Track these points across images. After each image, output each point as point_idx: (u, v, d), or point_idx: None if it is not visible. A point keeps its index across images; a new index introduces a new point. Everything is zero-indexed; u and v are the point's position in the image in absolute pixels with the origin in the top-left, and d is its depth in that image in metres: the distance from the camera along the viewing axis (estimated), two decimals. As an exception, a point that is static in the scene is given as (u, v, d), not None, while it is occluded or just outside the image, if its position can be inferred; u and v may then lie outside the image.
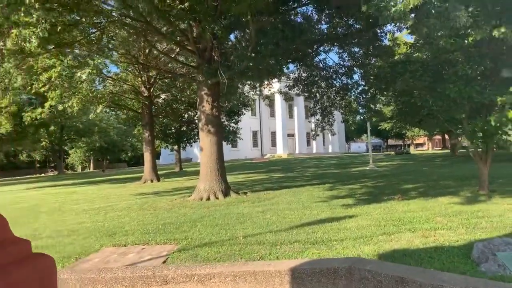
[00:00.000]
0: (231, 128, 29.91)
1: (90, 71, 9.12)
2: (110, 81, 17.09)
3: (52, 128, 45.48)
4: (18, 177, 52.79)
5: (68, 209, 10.74)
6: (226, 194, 10.55)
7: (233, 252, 4.78)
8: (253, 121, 50.19)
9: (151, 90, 18.42)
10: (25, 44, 6.91)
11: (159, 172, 22.93)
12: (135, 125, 25.65)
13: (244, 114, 31.21)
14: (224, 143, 14.15)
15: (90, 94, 14.15)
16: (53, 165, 63.02)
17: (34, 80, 13.22)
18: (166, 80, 19.56)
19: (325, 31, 12.36)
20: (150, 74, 17.95)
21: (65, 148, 65.29)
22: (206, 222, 6.98)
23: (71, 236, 6.52)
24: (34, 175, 57.69)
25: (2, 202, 14.40)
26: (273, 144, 52.05)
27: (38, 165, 74.08)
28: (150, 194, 13.78)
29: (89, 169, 71.15)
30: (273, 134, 51.79)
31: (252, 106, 43.74)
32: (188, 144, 29.55)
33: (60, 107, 14.57)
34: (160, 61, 18.24)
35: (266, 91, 19.56)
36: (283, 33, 9.25)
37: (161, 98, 22.38)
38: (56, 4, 7.21)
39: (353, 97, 14.90)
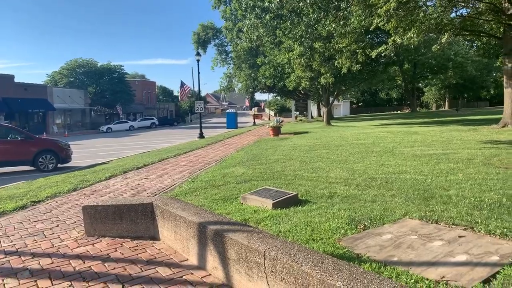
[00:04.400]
0: None
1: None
2: (460, 2, 13.81)
3: (406, 66, 45.84)
4: (376, 113, 58.30)
5: (399, 152, 9.79)
6: None
7: None
8: None
9: (519, 4, 13.45)
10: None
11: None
12: (497, 55, 20.64)
13: None
14: None
15: (432, 22, 11.84)
16: (408, 103, 64.59)
17: (374, 15, 12.55)
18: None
19: None
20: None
21: (420, 86, 64.91)
22: None
23: (379, 190, 5.47)
24: (390, 112, 61.75)
25: (348, 136, 15.55)
26: None
27: (395, 102, 78.72)
28: (506, 143, 10.48)
29: (444, 108, 67.80)
30: None
31: None
32: None
33: (398, 40, 13.33)
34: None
35: None
36: None
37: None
38: None
39: None
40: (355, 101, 75.58)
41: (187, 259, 3.61)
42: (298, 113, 49.19)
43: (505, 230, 3.48)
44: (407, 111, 58.88)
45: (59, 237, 4.51)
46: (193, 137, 25.22)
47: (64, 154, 13.05)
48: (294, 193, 5.12)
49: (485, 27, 16.57)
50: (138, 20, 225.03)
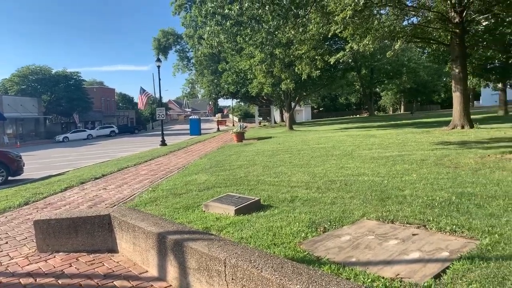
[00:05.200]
0: None
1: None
2: (411, 11, 14.62)
3: (363, 71, 47.62)
4: (337, 118, 59.98)
5: (357, 155, 10.11)
6: None
7: None
8: None
9: (463, 14, 14.40)
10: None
11: (474, 116, 18.97)
12: (446, 61, 21.94)
13: None
14: None
15: (386, 29, 12.46)
16: (366, 107, 67.02)
17: (332, 22, 12.98)
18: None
19: None
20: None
21: (377, 90, 67.67)
22: (536, 205, 4.22)
23: (338, 192, 5.61)
24: (349, 116, 63.78)
25: (309, 141, 15.86)
26: None
27: (354, 107, 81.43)
28: (456, 144, 11.12)
29: (400, 111, 71.01)
30: None
31: None
32: (518, 81, 22.72)
33: (355, 47, 13.88)
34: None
35: None
36: None
37: (480, 25, 17.59)
38: None
39: None
40: (316, 106, 77.36)
41: (147, 271, 3.51)
42: (261, 118, 49.61)
43: (454, 226, 3.68)
44: (365, 115, 61.06)
45: (8, 255, 4.24)
46: (155, 145, 24.68)
47: (15, 166, 12.32)
48: (257, 199, 5.14)
49: (434, 34, 17.60)
50: (95, 25, 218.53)
